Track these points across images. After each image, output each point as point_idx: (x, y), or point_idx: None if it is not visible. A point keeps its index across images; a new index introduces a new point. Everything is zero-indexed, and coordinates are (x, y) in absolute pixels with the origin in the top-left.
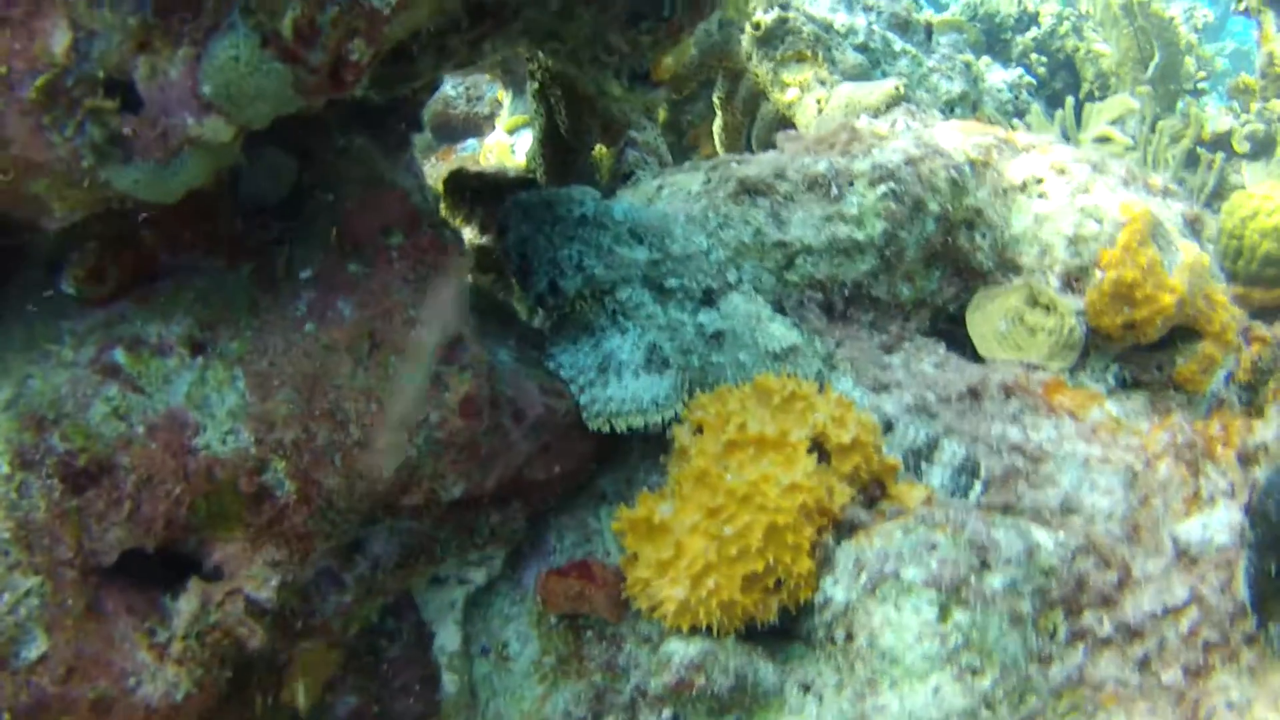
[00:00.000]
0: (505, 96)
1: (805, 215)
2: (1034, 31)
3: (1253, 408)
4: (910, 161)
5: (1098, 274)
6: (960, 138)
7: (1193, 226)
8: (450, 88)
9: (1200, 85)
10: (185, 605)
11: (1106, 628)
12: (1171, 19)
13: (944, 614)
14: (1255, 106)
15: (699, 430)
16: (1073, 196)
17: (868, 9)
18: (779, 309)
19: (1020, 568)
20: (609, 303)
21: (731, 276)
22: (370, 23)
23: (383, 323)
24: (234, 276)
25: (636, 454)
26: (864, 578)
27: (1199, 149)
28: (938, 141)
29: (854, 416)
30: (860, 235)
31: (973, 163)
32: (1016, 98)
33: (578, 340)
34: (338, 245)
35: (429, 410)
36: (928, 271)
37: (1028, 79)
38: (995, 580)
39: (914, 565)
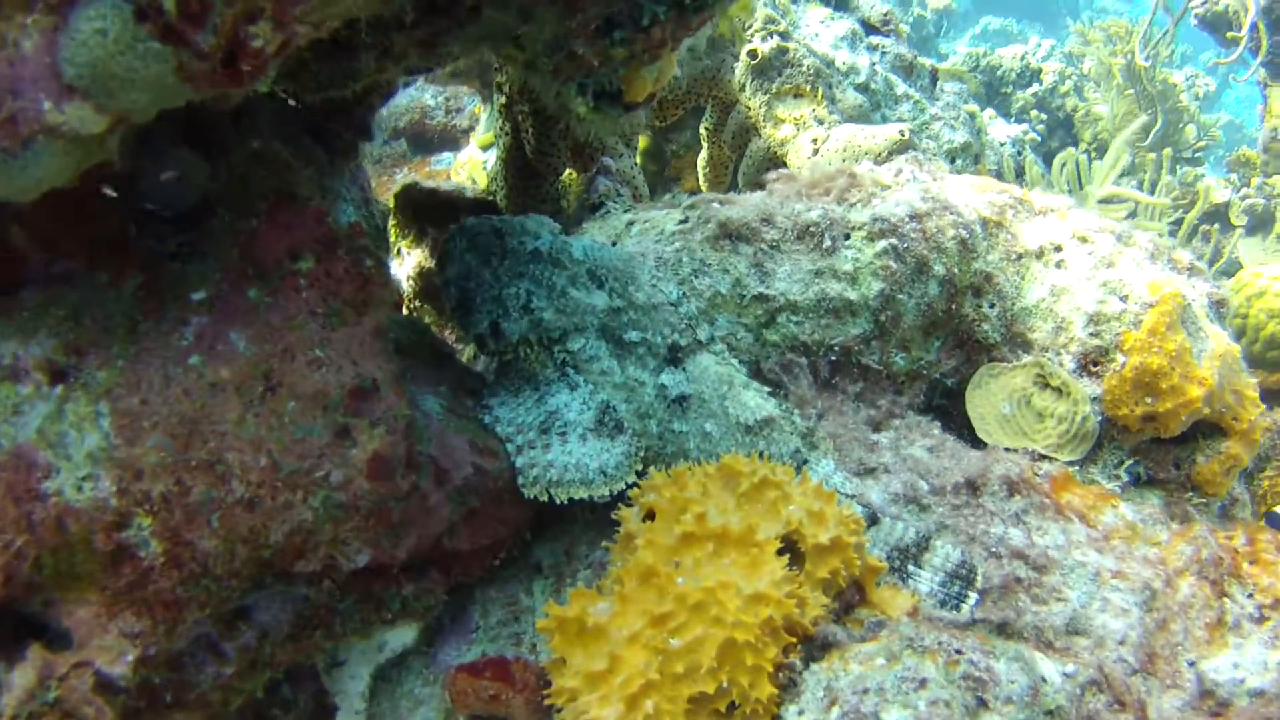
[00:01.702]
0: (483, 110)
1: (792, 268)
2: (1035, 88)
3: (1250, 490)
4: (915, 216)
5: (1119, 358)
6: (972, 194)
7: (1218, 309)
8: (430, 97)
9: (1198, 154)
10: (20, 678)
11: None
12: (1175, 85)
13: None
14: (1255, 181)
15: (650, 516)
16: (1095, 269)
17: (872, 48)
18: (755, 372)
19: (1023, 708)
20: (558, 352)
21: (703, 333)
22: (278, 3)
23: (281, 362)
24: (115, 293)
25: (581, 522)
26: (835, 713)
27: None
28: (947, 196)
29: (834, 512)
30: (853, 295)
31: (985, 222)
32: (1019, 153)
33: (519, 393)
34: (239, 266)
35: (330, 468)
36: (926, 341)
37: (1031, 135)
38: None
39: (898, 705)
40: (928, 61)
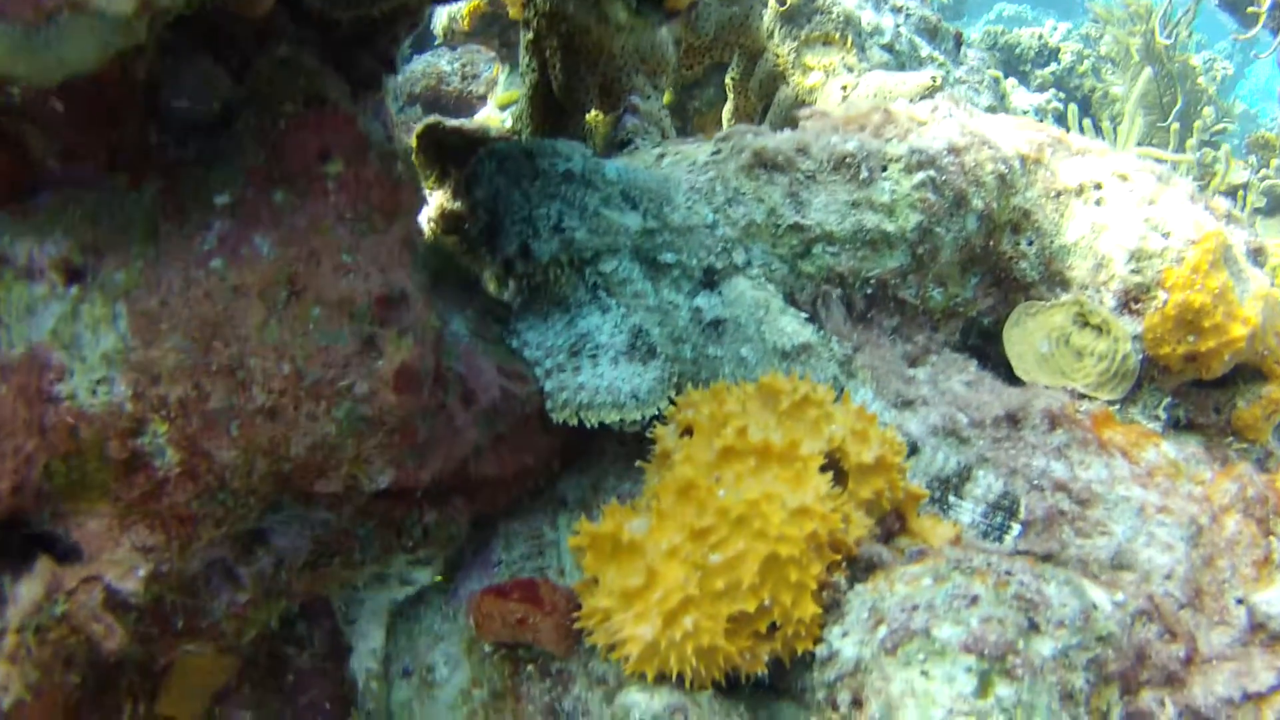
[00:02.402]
0: (501, 72)
1: (828, 199)
2: (1053, 66)
3: None
4: (954, 150)
5: (1161, 295)
6: (1011, 131)
7: (1256, 258)
8: (446, 63)
9: (1216, 137)
10: (26, 591)
11: (1170, 712)
12: (1194, 67)
13: (984, 687)
14: (1275, 162)
15: (687, 433)
16: (1137, 206)
17: (896, 10)
18: (790, 303)
19: (1075, 632)
20: (590, 274)
21: (739, 257)
22: None
23: (307, 266)
24: (135, 196)
25: (609, 455)
26: (882, 631)
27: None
28: (985, 132)
29: (877, 432)
30: (890, 227)
31: (1023, 159)
32: (1042, 122)
33: (549, 316)
34: (265, 169)
35: (355, 379)
36: (963, 277)
37: (1055, 105)
38: (1045, 646)
39: (949, 622)
40: (952, 26)
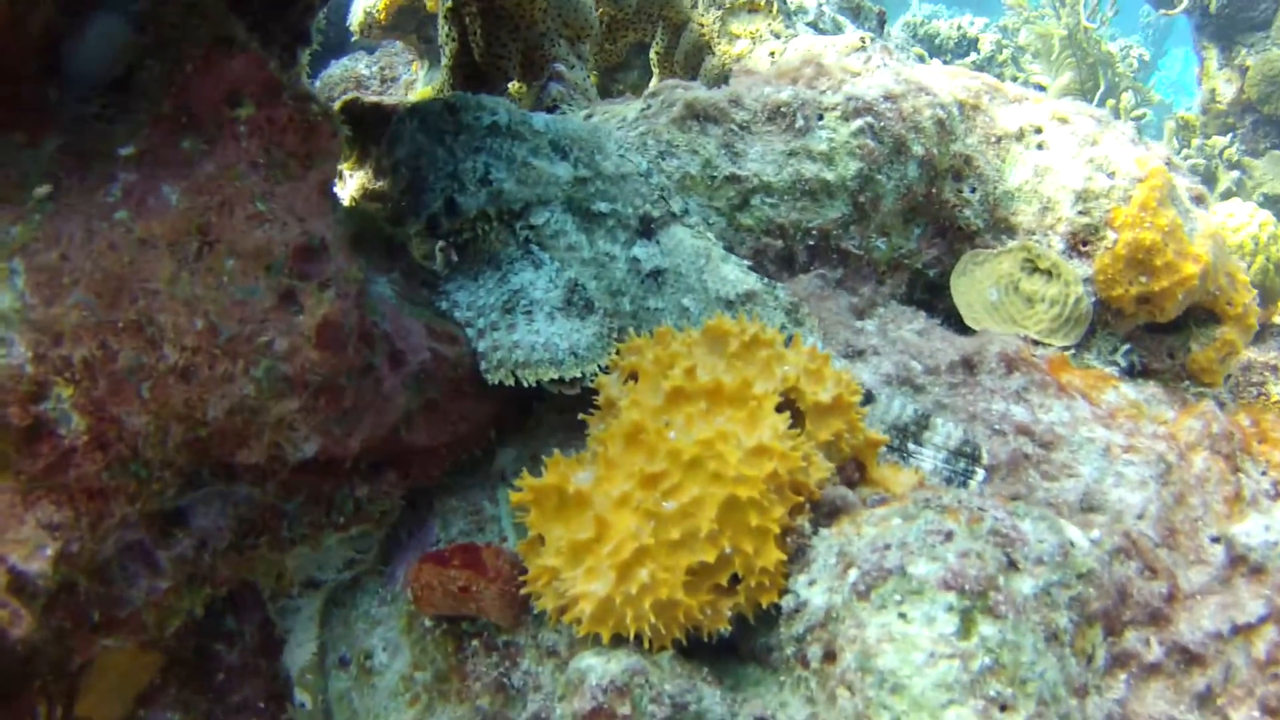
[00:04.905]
0: (420, 69)
1: (764, 149)
2: (973, 56)
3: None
4: (890, 97)
5: (1110, 236)
6: (945, 80)
7: (1198, 204)
8: (364, 67)
9: (1135, 121)
10: None
11: (1156, 651)
12: (1110, 54)
13: (967, 626)
14: (1195, 142)
15: (632, 379)
16: (1079, 147)
17: None
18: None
19: (1055, 569)
20: (520, 228)
21: (676, 205)
22: None
23: (219, 216)
24: (33, 153)
25: (548, 426)
26: (853, 575)
27: None
28: (921, 79)
29: (833, 371)
30: (830, 175)
31: (961, 104)
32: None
33: (479, 275)
34: (172, 116)
35: (274, 335)
36: (906, 227)
37: None
38: (1026, 584)
39: (925, 558)
40: (875, 5)
